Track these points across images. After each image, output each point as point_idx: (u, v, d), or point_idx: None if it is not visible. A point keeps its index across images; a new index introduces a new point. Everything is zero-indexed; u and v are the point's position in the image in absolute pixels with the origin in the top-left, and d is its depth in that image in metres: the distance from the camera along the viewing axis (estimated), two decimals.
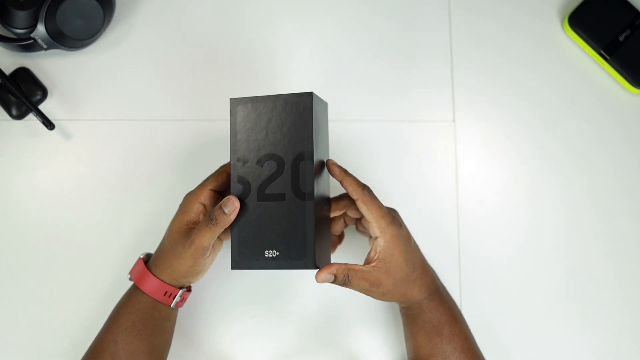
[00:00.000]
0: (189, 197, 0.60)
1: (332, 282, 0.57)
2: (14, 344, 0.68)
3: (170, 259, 0.59)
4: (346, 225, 0.66)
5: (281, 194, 0.57)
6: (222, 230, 0.57)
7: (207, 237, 0.57)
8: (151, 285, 0.60)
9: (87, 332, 0.68)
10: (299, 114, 0.57)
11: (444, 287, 0.64)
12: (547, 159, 0.74)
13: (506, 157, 0.74)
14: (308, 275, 0.70)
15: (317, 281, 0.56)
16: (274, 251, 0.57)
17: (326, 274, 0.56)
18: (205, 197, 0.60)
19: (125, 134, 0.73)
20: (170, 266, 0.59)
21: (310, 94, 0.57)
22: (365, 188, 0.58)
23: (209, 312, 0.69)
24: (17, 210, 0.71)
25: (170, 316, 0.63)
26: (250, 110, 0.58)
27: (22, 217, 0.71)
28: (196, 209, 0.60)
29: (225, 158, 0.69)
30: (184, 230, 0.59)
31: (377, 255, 0.57)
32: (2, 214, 0.71)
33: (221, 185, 0.61)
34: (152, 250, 0.65)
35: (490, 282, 0.71)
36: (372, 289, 0.58)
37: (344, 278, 0.56)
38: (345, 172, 0.58)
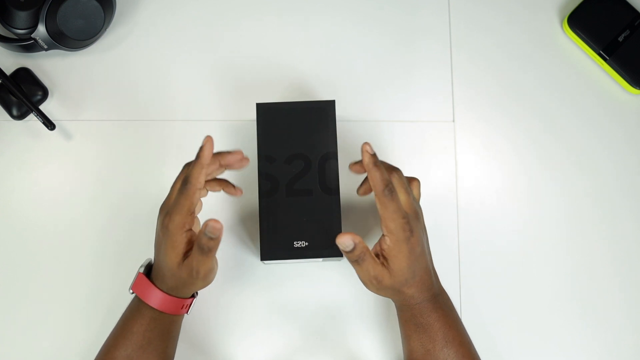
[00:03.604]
0: (173, 230, 0.56)
1: (346, 252, 0.56)
2: (13, 345, 0.68)
3: (182, 284, 0.58)
4: (371, 191, 0.64)
5: (309, 190, 0.63)
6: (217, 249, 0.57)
7: (208, 263, 0.57)
8: (171, 304, 0.59)
9: (87, 334, 0.68)
10: (323, 118, 0.64)
11: (444, 295, 0.62)
12: (547, 159, 0.74)
13: (506, 157, 0.74)
14: (308, 275, 0.70)
15: (337, 241, 0.56)
16: (303, 242, 0.62)
17: (349, 239, 0.56)
18: (189, 223, 0.57)
19: (126, 134, 0.73)
20: (184, 288, 0.59)
21: (333, 102, 0.64)
22: (386, 187, 0.56)
23: (210, 312, 0.69)
24: (18, 210, 0.71)
25: (180, 322, 0.63)
26: (277, 115, 0.64)
27: (22, 217, 0.71)
28: (186, 239, 0.57)
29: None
30: (185, 262, 0.57)
31: (383, 252, 0.58)
32: (3, 214, 0.71)
33: (196, 205, 0.58)
34: (149, 252, 0.65)
35: (490, 282, 0.71)
36: (373, 282, 0.58)
37: (360, 255, 0.56)
38: (375, 163, 0.56)
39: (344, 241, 0.56)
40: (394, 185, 0.58)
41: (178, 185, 0.59)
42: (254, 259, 0.71)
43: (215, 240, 0.55)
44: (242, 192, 0.65)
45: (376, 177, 0.56)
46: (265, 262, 0.64)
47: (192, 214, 0.57)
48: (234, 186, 0.64)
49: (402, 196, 0.58)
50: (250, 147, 0.73)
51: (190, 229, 0.58)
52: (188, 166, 0.61)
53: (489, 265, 0.71)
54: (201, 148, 0.57)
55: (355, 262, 0.57)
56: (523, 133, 0.75)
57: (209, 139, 0.57)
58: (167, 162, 0.72)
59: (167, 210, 0.57)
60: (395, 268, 0.57)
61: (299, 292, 0.70)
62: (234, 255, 0.71)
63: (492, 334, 0.70)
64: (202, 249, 0.55)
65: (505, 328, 0.70)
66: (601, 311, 0.71)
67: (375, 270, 0.57)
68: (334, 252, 0.62)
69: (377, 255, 0.58)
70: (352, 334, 0.69)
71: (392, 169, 0.60)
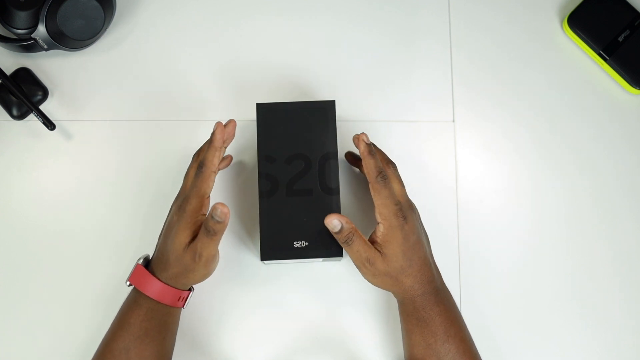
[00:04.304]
0: (190, 211, 0.59)
1: (335, 233, 0.59)
2: (13, 345, 0.68)
3: (182, 271, 0.59)
4: (355, 161, 0.71)
5: (309, 190, 0.62)
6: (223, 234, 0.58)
7: (212, 247, 0.59)
8: (168, 294, 0.60)
9: (87, 333, 0.68)
10: (323, 118, 0.64)
11: (445, 291, 0.63)
12: (547, 159, 0.74)
13: (506, 157, 0.74)
14: (308, 275, 0.70)
15: (325, 221, 0.59)
16: (303, 242, 0.62)
17: (336, 219, 0.59)
18: (205, 206, 0.60)
19: (126, 134, 0.73)
20: (184, 277, 0.60)
21: (333, 102, 0.64)
22: (379, 174, 0.59)
23: (210, 312, 0.69)
24: (18, 210, 0.71)
25: (178, 317, 0.63)
26: (277, 115, 0.64)
27: (22, 217, 0.71)
28: (198, 223, 0.59)
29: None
30: (190, 245, 0.59)
31: (377, 239, 0.60)
32: (3, 214, 0.71)
33: (212, 188, 0.61)
34: (150, 251, 0.65)
35: (490, 282, 0.71)
36: (366, 264, 0.59)
37: (348, 235, 0.59)
38: (370, 152, 0.59)
39: (331, 222, 0.59)
40: (389, 175, 0.61)
41: (192, 173, 0.62)
42: (254, 259, 0.71)
43: (221, 224, 0.57)
44: (232, 158, 0.70)
45: (370, 165, 0.59)
46: (265, 262, 0.64)
47: (208, 198, 0.60)
48: (224, 159, 0.68)
49: (396, 186, 0.62)
50: (250, 147, 0.73)
51: (204, 214, 0.60)
52: (197, 156, 0.64)
53: (489, 264, 0.71)
54: (213, 133, 0.60)
55: (345, 243, 0.59)
56: (523, 133, 0.75)
57: (219, 124, 0.60)
58: (167, 161, 0.72)
59: (185, 195, 0.60)
60: (389, 253, 0.59)
61: (299, 292, 0.70)
62: (234, 255, 0.71)
63: (492, 334, 0.70)
64: (209, 231, 0.57)
65: (505, 328, 0.70)
66: (601, 311, 0.71)
67: (367, 252, 0.59)
68: (334, 252, 0.62)
69: (372, 243, 0.60)
70: (352, 334, 0.69)
71: (388, 162, 0.64)
